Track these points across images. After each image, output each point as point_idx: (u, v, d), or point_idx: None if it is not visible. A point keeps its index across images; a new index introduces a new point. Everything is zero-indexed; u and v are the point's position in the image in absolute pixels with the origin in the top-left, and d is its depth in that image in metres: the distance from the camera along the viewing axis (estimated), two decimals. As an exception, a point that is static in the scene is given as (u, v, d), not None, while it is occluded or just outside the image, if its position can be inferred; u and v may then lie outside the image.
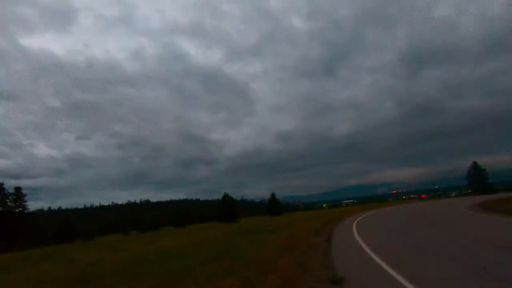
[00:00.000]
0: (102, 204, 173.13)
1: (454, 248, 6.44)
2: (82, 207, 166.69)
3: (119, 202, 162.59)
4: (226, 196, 44.09)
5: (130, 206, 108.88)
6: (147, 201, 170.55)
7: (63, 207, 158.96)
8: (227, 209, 42.51)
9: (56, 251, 21.59)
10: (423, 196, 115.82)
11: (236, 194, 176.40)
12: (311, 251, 7.79)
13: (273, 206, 51.51)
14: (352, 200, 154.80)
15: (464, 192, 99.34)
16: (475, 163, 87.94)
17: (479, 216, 14.38)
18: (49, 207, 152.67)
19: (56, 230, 37.31)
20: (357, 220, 18.46)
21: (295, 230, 15.15)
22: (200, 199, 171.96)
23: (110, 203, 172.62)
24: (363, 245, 8.04)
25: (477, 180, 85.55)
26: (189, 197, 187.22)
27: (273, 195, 52.93)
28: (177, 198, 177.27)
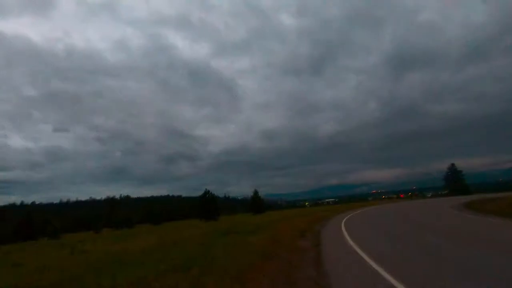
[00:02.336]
0: (79, 199, 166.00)
1: (475, 260, 5.24)
2: (58, 202, 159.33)
3: (97, 198, 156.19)
4: (206, 192, 42.24)
5: (109, 201, 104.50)
6: (127, 197, 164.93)
7: (37, 202, 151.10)
8: (208, 206, 40.73)
9: (9, 251, 19.18)
10: (401, 196, 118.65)
11: (219, 191, 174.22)
12: (299, 260, 6.39)
13: (256, 204, 50.23)
14: (333, 199, 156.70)
15: (439, 193, 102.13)
16: (452, 164, 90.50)
17: (475, 218, 13.58)
18: (22, 202, 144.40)
19: (16, 227, 34.07)
20: (344, 220, 17.35)
21: (278, 231, 13.83)
22: (182, 196, 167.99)
23: (88, 198, 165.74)
24: (361, 253, 6.74)
25: (454, 182, 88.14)
26: (171, 194, 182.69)
27: (255, 193, 51.59)
28: (159, 194, 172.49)
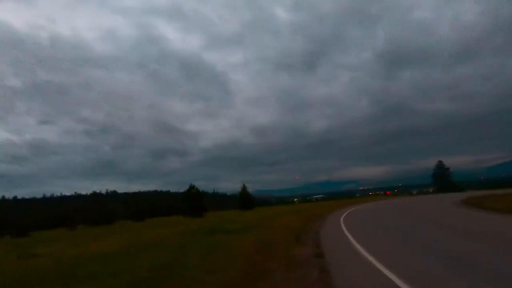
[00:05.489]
0: (63, 194, 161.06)
1: None
2: (41, 196, 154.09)
3: (83, 193, 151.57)
4: (192, 187, 39.92)
5: (94, 197, 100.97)
6: (114, 192, 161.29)
7: (19, 197, 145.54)
8: (193, 202, 38.49)
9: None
10: (387, 193, 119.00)
11: (209, 187, 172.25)
12: (300, 286, 4.38)
13: (244, 200, 48.28)
14: (322, 195, 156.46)
15: (424, 190, 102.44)
16: (440, 162, 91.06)
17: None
18: (3, 197, 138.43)
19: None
20: (342, 219, 15.53)
21: (268, 231, 11.90)
22: (170, 191, 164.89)
23: (73, 193, 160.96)
24: (383, 269, 4.82)
25: (441, 179, 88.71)
26: (159, 189, 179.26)
27: (244, 188, 49.57)
28: (146, 190, 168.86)
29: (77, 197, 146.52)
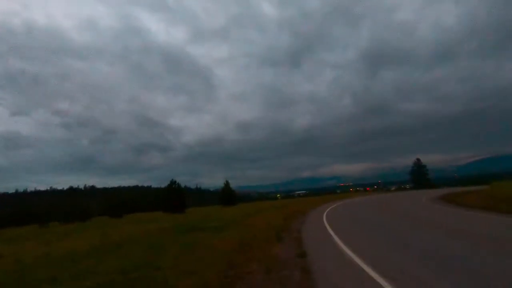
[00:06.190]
0: (38, 189, 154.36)
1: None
2: (13, 191, 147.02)
3: (59, 188, 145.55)
4: (173, 183, 38.93)
5: (71, 192, 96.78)
6: (92, 187, 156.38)
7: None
8: (174, 198, 37.55)
9: None
10: (367, 189, 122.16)
11: (191, 183, 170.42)
12: None
13: (227, 196, 47.81)
14: (304, 191, 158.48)
15: (402, 186, 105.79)
16: (418, 159, 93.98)
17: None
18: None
19: None
20: (325, 215, 15.39)
21: (249, 228, 11.53)
22: (152, 186, 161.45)
23: (48, 188, 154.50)
24: (367, 269, 4.56)
25: (418, 176, 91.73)
26: (140, 184, 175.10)
27: (226, 184, 49.08)
28: (127, 185, 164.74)
29: (53, 193, 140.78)
